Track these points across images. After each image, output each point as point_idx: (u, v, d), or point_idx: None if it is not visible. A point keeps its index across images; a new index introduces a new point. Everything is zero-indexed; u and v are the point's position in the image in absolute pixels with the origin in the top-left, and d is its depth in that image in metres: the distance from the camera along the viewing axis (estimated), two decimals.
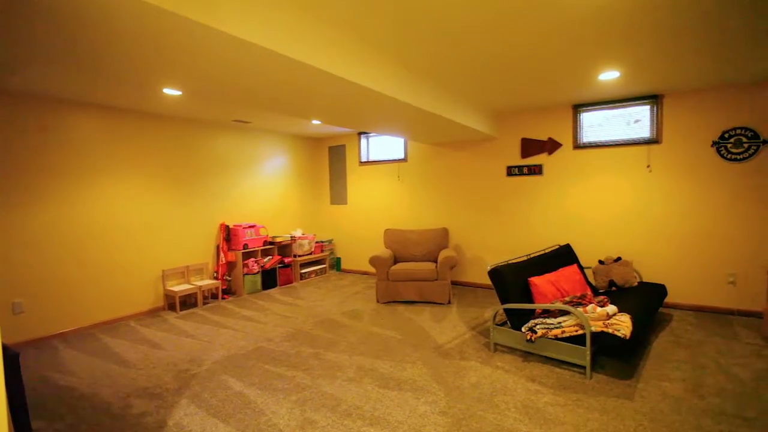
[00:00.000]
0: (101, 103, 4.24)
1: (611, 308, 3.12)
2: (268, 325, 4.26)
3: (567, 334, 2.99)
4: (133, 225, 4.61)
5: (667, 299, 4.47)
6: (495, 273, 3.44)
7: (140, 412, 2.60)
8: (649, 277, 4.54)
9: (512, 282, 3.43)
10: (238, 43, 1.99)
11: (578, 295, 3.44)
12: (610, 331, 2.83)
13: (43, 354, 3.60)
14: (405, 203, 6.26)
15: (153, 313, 4.76)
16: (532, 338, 3.09)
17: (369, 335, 3.86)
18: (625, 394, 2.64)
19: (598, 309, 3.08)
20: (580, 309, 3.12)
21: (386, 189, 6.46)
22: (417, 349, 3.50)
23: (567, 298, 3.38)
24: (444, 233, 5.37)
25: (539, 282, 3.49)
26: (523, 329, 3.21)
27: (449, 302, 4.86)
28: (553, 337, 3.03)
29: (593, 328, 2.90)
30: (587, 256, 4.84)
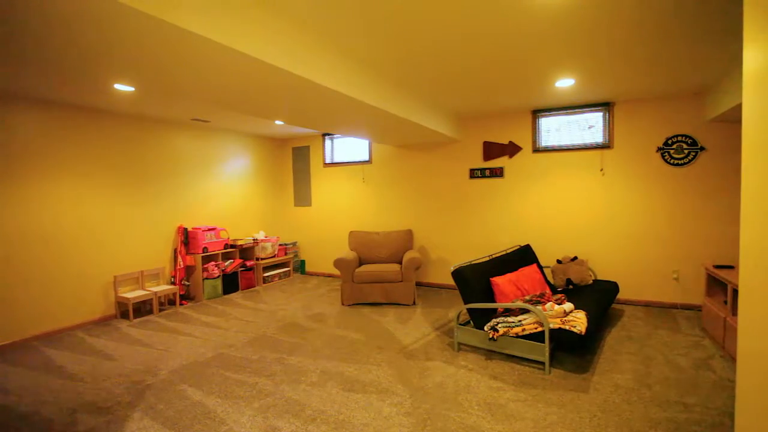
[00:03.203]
0: (43, 98, 3.94)
1: (568, 306, 3.26)
2: (230, 330, 4.11)
3: (527, 332, 3.09)
4: (80, 228, 4.32)
5: (619, 296, 4.72)
6: (458, 273, 3.50)
7: (87, 429, 2.43)
8: (602, 275, 4.78)
9: (475, 282, 3.50)
10: (196, 40, 1.91)
11: (537, 293, 3.57)
12: (567, 327, 2.95)
13: None
14: (370, 205, 6.26)
15: (103, 321, 4.48)
16: (495, 336, 3.17)
17: (333, 338, 3.82)
18: (580, 388, 2.76)
19: (556, 307, 3.21)
20: (540, 307, 3.23)
21: (351, 191, 6.42)
22: (382, 351, 3.49)
23: (527, 297, 3.50)
24: (408, 235, 5.41)
25: (501, 282, 3.58)
26: (485, 328, 3.28)
27: (414, 303, 4.90)
28: (514, 335, 3.13)
29: (551, 325, 3.01)
30: (545, 256, 5.03)
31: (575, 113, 4.86)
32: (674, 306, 4.48)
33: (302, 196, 6.95)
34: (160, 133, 5.11)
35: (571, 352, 3.33)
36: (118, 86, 3.47)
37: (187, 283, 5.33)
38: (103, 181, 4.52)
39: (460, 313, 3.48)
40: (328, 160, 6.67)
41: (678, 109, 4.36)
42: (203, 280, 5.27)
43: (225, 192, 6.03)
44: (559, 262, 4.44)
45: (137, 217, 4.86)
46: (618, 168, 4.65)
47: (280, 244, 6.58)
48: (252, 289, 5.94)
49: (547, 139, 5.06)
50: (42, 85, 3.51)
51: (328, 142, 6.66)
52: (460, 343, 3.51)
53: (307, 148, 6.83)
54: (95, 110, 4.44)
